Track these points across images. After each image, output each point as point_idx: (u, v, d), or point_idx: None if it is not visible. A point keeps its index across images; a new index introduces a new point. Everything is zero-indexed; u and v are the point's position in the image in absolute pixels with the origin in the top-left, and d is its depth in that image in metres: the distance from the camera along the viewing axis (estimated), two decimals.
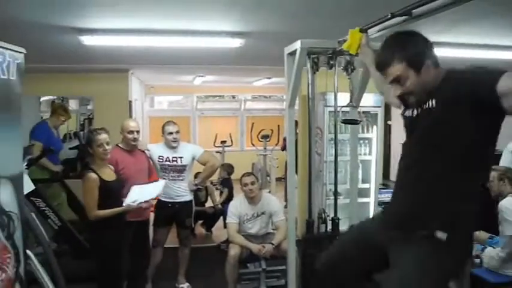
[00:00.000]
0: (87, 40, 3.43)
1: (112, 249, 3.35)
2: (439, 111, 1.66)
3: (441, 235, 1.67)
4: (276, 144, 8.75)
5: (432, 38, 3.88)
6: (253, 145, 9.27)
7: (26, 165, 3.19)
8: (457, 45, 3.93)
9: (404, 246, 1.76)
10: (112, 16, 3.09)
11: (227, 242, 5.18)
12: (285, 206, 7.25)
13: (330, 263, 2.15)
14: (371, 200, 5.52)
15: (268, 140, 8.89)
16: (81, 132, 6.83)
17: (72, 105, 7.84)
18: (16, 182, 1.95)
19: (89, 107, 6.82)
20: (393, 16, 2.06)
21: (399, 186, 1.88)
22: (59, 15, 2.97)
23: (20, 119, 1.98)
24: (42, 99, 6.91)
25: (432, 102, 1.68)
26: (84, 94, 6.73)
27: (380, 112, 5.43)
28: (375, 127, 5.49)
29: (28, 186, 3.10)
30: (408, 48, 1.70)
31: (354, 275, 2.06)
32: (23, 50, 1.94)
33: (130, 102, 6.30)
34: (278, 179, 8.50)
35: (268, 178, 8.57)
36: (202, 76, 7.38)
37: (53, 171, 4.65)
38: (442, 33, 3.57)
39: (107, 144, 3.33)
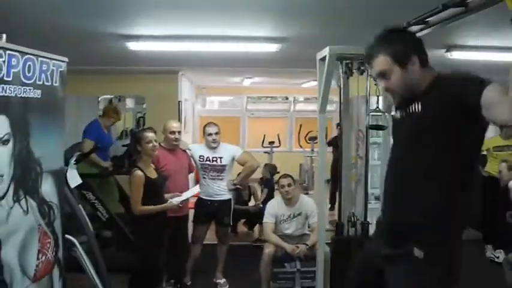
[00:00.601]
0: (133, 46, 3.67)
1: (152, 242, 3.56)
2: (424, 116, 1.66)
3: (418, 253, 1.67)
4: (328, 142, 8.75)
5: (472, 41, 3.78)
6: (300, 146, 9.32)
7: (75, 161, 3.46)
8: (500, 48, 3.82)
9: (392, 267, 1.77)
10: (155, 24, 3.29)
11: (259, 240, 5.45)
12: (330, 208, 7.31)
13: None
14: None
15: (315, 141, 8.90)
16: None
17: (129, 103, 8.28)
18: (57, 176, 2.18)
19: (144, 106, 7.15)
20: (409, 25, 2.08)
21: (385, 193, 1.89)
22: (106, 24, 3.22)
23: (63, 121, 2.21)
24: (100, 98, 7.37)
25: (418, 106, 1.69)
26: (137, 94, 7.09)
27: None
28: None
29: (76, 180, 3.38)
30: (394, 42, 1.70)
31: None
32: (65, 59, 2.16)
33: (179, 102, 6.54)
34: (325, 181, 8.49)
35: (314, 180, 8.60)
36: (250, 78, 7.53)
37: (102, 166, 4.96)
38: (482, 36, 3.49)
39: (155, 141, 3.55)
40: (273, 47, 3.75)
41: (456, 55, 3.97)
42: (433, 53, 3.98)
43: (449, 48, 3.92)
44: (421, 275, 1.68)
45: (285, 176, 4.40)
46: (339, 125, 7.08)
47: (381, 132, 4.28)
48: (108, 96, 7.61)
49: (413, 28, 2.10)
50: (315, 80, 7.68)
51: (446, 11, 1.84)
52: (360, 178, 5.22)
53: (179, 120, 5.96)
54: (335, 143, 7.14)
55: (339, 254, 3.21)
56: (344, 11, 2.90)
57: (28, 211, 1.94)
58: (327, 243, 3.42)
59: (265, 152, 9.47)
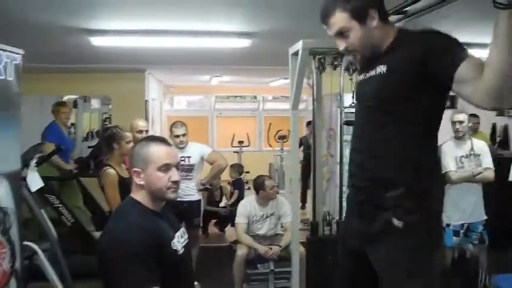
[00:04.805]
0: (96, 41, 3.51)
1: None
2: (388, 77, 1.58)
3: (397, 223, 1.58)
4: None
5: None
6: (270, 146, 9.27)
7: (36, 163, 3.28)
8: (470, 44, 3.83)
9: (373, 244, 1.67)
10: (120, 18, 3.16)
11: (237, 242, 5.27)
12: (301, 207, 7.27)
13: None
14: None
15: (285, 140, 8.86)
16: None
17: (95, 104, 8.05)
18: (13, 179, 2.01)
19: (110, 106, 6.97)
20: None
21: (352, 160, 1.80)
22: (67, 16, 3.05)
23: (19, 118, 2.04)
24: (65, 98, 7.10)
25: (382, 68, 1.60)
26: (103, 93, 6.91)
27: None
28: None
29: (37, 183, 3.19)
30: None
31: None
32: (21, 51, 2.00)
33: (146, 101, 6.42)
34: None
35: (284, 179, 8.56)
36: (218, 76, 7.44)
37: (65, 169, 4.76)
38: (453, 31, 3.48)
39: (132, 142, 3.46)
40: (243, 42, 3.66)
41: None
42: None
43: None
44: (405, 244, 1.60)
45: (269, 178, 4.37)
46: (309, 123, 7.13)
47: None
48: (73, 97, 7.38)
49: (392, 18, 2.03)
50: (285, 78, 7.81)
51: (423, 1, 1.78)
52: (332, 176, 5.20)
53: (146, 119, 5.82)
54: (305, 142, 7.13)
55: (314, 254, 3.15)
56: (315, 5, 2.83)
57: None
58: (301, 243, 3.36)
59: (234, 152, 9.38)
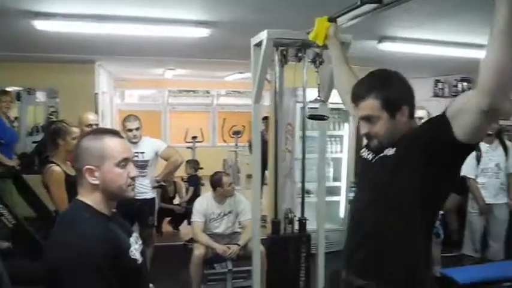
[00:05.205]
0: (41, 25, 3.22)
1: None
2: (395, 157, 1.56)
3: None
4: (248, 141, 8.65)
5: (404, 33, 3.79)
6: (224, 141, 9.13)
7: None
8: (430, 41, 3.87)
9: None
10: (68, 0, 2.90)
11: (192, 240, 5.11)
12: None
13: None
14: (341, 198, 5.46)
15: (239, 136, 8.78)
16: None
17: (40, 97, 7.58)
18: None
19: (57, 100, 6.63)
20: (362, 3, 1.92)
21: (351, 232, 1.77)
22: None
23: None
24: (8, 89, 6.62)
25: (391, 151, 1.58)
26: (50, 86, 6.54)
27: None
28: (346, 124, 5.41)
29: None
30: (388, 87, 1.58)
31: None
32: None
33: (96, 94, 6.12)
34: (249, 176, 8.38)
35: (239, 175, 8.47)
36: (172, 69, 7.21)
37: (7, 165, 4.41)
38: (414, 28, 3.49)
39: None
40: (201, 32, 3.48)
41: (387, 46, 3.98)
42: (364, 44, 4.02)
43: (381, 39, 3.91)
44: None
45: (226, 174, 4.25)
46: (265, 118, 7.05)
47: (310, 124, 4.18)
48: (17, 88, 6.92)
49: (366, 7, 1.94)
50: (240, 73, 7.67)
51: None
52: (290, 172, 5.13)
53: (96, 113, 5.54)
54: (260, 137, 7.05)
55: (276, 252, 3.05)
56: None
57: None
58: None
59: (188, 147, 9.18)
